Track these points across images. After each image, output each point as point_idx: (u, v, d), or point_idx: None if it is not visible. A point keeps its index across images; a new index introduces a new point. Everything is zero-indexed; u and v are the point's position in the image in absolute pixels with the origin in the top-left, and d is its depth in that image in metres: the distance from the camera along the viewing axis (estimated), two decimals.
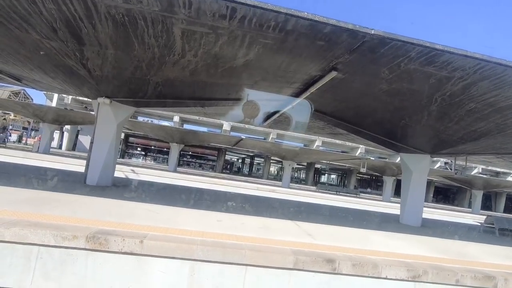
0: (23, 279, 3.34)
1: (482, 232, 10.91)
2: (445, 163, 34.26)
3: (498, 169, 37.97)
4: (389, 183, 27.95)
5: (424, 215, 10.32)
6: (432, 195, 41.99)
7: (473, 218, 20.64)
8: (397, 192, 34.19)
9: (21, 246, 3.37)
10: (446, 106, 6.22)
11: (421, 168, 9.80)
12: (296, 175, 56.01)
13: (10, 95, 33.08)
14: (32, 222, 3.66)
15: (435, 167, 34.77)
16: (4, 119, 36.80)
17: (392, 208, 17.40)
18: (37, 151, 22.30)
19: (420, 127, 7.94)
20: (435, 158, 20.17)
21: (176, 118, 35.50)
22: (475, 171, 37.32)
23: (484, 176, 33.05)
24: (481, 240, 8.62)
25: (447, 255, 5.52)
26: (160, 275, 3.63)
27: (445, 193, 48.42)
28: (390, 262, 4.31)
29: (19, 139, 38.93)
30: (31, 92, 43.33)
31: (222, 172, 38.95)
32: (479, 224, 12.16)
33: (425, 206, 10.50)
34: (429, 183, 37.84)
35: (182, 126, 35.89)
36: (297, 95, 7.27)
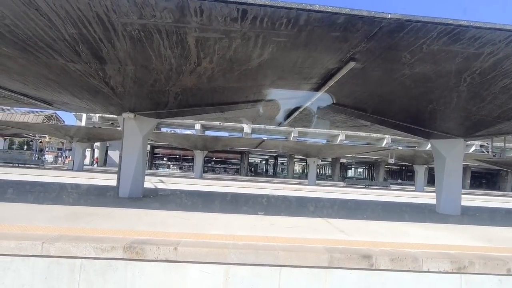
0: None
1: None
2: (481, 146, 32.28)
3: None
4: (420, 172, 26.75)
5: (463, 203, 9.74)
6: (469, 181, 39.68)
7: None
8: (430, 180, 32.60)
9: (65, 260, 3.56)
10: (477, 85, 5.84)
11: (455, 153, 9.28)
12: (321, 172, 55.16)
13: (43, 119, 35.36)
14: (73, 237, 3.86)
15: (470, 151, 32.83)
16: (41, 142, 39.39)
17: (427, 198, 16.61)
18: (71, 169, 23.62)
19: (450, 110, 7.51)
20: (469, 142, 18.98)
21: (198, 126, 36.23)
22: None
23: None
24: None
25: (493, 243, 5.17)
26: (196, 280, 3.68)
27: (483, 177, 45.60)
28: (431, 255, 4.10)
29: (55, 160, 41.50)
30: (61, 114, 46.14)
31: (247, 175, 39.18)
32: None
33: (463, 193, 9.91)
34: (465, 168, 35.76)
35: (204, 133, 36.57)
36: (315, 90, 7.15)
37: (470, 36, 4.22)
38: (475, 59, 4.87)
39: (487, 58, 4.78)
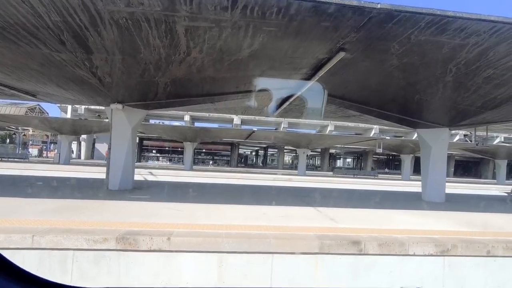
0: (62, 281, 3.51)
1: (509, 202, 10.58)
2: (465, 135, 33.24)
3: None
4: (407, 161, 27.41)
5: (447, 190, 10.09)
6: (453, 169, 40.94)
7: (499, 189, 20.04)
8: (416, 169, 33.42)
9: (57, 252, 3.54)
10: (462, 76, 6.00)
11: (440, 142, 9.54)
12: (311, 162, 55.73)
13: (26, 111, 34.20)
14: (64, 229, 3.83)
15: (454, 140, 33.76)
16: (24, 135, 38.22)
17: (413, 186, 17.08)
18: (58, 163, 23.10)
19: (436, 100, 7.70)
20: (453, 131, 19.52)
21: (187, 117, 35.80)
22: (497, 140, 36.01)
23: (507, 144, 31.85)
24: (508, 210, 8.38)
25: (475, 228, 5.41)
26: (190, 269, 3.74)
27: (467, 166, 47.12)
28: (416, 239, 4.27)
29: (40, 153, 40.39)
30: (45, 106, 44.58)
31: (237, 166, 39.22)
32: (506, 194, 11.79)
33: (447, 181, 10.25)
34: (449, 157, 36.82)
35: (193, 125, 36.22)
36: (306, 80, 7.17)
37: (456, 26, 4.31)
38: (461, 50, 4.99)
39: (472, 48, 4.90)
